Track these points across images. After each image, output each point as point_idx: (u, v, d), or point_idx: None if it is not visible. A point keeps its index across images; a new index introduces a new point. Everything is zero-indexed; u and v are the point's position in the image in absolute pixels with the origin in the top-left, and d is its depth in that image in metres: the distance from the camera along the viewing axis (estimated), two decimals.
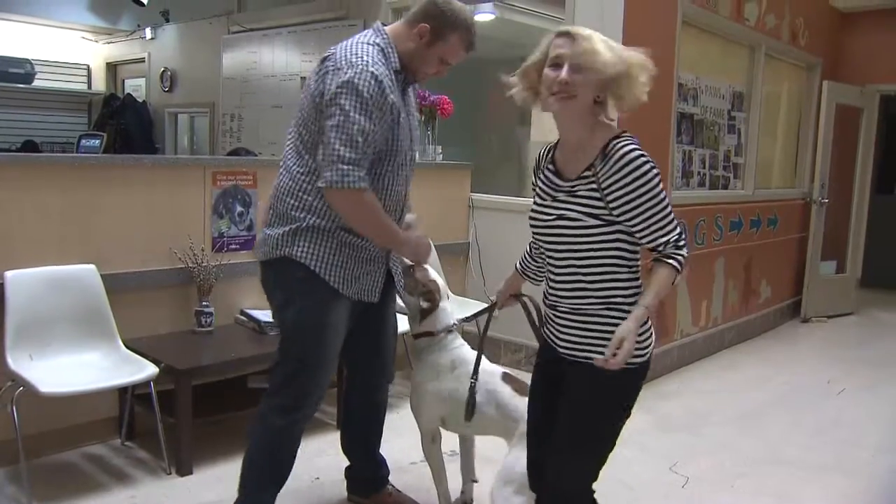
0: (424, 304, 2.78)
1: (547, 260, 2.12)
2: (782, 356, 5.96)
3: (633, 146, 1.95)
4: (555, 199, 2.05)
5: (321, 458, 3.54)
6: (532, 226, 2.13)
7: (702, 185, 5.69)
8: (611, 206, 1.96)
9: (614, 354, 1.90)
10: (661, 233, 1.98)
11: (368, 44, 2.41)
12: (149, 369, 3.17)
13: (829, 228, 7.25)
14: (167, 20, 8.48)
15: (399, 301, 2.85)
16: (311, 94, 2.42)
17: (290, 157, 2.52)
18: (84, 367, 3.22)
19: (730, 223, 5.86)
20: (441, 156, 5.30)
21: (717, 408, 4.54)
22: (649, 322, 2.04)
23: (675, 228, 1.99)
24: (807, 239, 7.14)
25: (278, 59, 7.01)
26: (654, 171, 1.94)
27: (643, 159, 1.93)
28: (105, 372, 3.21)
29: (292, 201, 2.48)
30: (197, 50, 8.22)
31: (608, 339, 1.95)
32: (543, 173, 2.13)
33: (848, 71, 7.49)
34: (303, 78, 6.57)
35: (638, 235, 1.99)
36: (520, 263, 2.50)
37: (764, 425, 4.30)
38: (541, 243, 2.12)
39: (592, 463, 2.08)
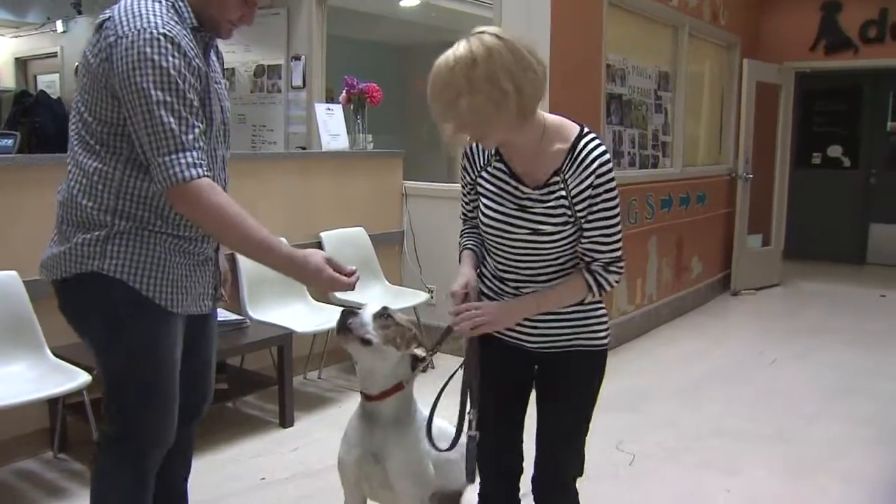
0: (420, 352, 2.13)
1: (509, 263, 1.96)
2: (716, 330, 6.10)
3: (601, 146, 1.85)
4: (523, 209, 1.88)
5: (265, 458, 3.47)
6: (493, 237, 1.94)
7: (632, 164, 5.76)
8: (576, 208, 1.85)
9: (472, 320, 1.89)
10: (600, 246, 1.88)
11: (154, 0, 1.89)
12: (80, 377, 3.03)
13: (754, 203, 7.45)
14: (79, 12, 8.13)
15: (359, 349, 2.10)
16: (92, 71, 1.88)
17: (78, 150, 1.96)
18: (9, 378, 3.06)
19: (660, 201, 5.96)
20: (372, 144, 5.23)
21: (658, 384, 4.61)
22: (604, 306, 2.04)
23: (615, 250, 1.89)
24: (734, 214, 7.32)
25: None
26: (614, 180, 1.85)
27: (609, 165, 1.83)
28: (33, 383, 3.05)
29: (89, 203, 1.92)
30: None
31: (586, 326, 1.98)
32: (490, 173, 1.94)
33: (765, 49, 7.70)
34: (227, 70, 6.38)
35: (581, 238, 1.88)
36: (468, 242, 2.11)
37: (703, 399, 4.39)
38: (503, 250, 1.95)
39: (584, 444, 2.09)
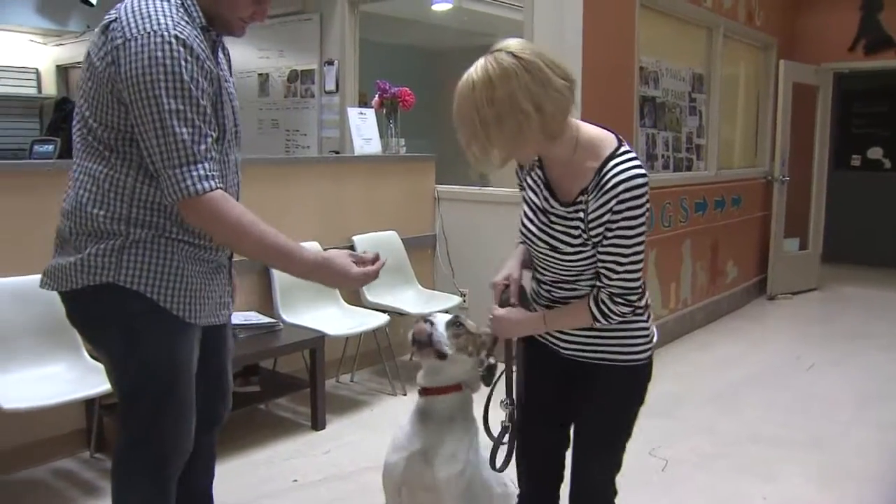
0: (492, 360, 2.12)
1: (540, 266, 1.97)
2: (751, 334, 6.02)
3: (632, 171, 1.73)
4: (546, 223, 1.87)
5: (297, 460, 3.49)
6: (525, 240, 1.95)
7: (666, 167, 5.71)
8: (591, 231, 1.78)
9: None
10: (611, 273, 1.79)
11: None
12: None
13: (791, 206, 7.35)
14: None
15: (431, 359, 2.08)
16: (97, 75, 1.80)
17: (84, 156, 1.89)
18: (48, 380, 3.12)
19: (695, 205, 5.90)
20: (405, 148, 5.25)
21: (693, 390, 4.56)
22: (650, 318, 1.98)
23: (628, 280, 1.78)
24: (770, 217, 7.22)
25: (234, 57, 6.83)
26: (644, 208, 1.73)
27: (638, 191, 1.71)
28: (70, 384, 3.11)
29: (100, 212, 1.85)
30: None
31: (620, 339, 1.91)
32: (533, 178, 1.93)
33: (802, 50, 7.58)
34: (261, 75, 6.46)
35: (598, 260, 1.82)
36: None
37: (739, 404, 4.33)
38: (533, 254, 1.96)
39: (622, 454, 2.05)
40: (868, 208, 8.90)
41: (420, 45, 8.49)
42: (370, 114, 5.15)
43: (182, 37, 1.75)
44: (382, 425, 3.80)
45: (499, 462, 2.05)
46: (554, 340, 2.00)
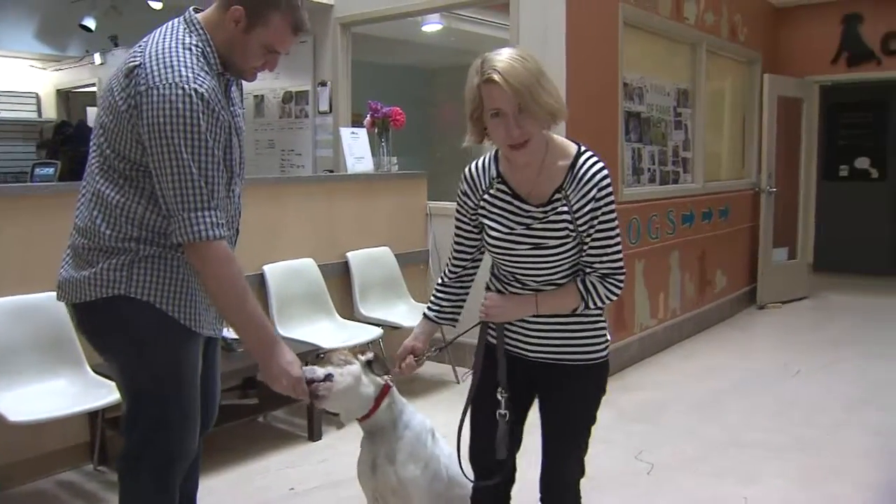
0: (364, 357, 2.27)
1: (514, 279, 2.09)
2: (739, 343, 6.14)
3: (599, 163, 1.98)
4: (526, 226, 2.00)
5: (294, 469, 3.60)
6: (498, 255, 2.07)
7: (652, 180, 5.84)
8: (578, 223, 1.96)
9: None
10: (601, 257, 2.00)
11: (185, 48, 1.95)
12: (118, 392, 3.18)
13: (779, 216, 7.48)
14: (116, 45, 8.44)
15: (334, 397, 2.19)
16: (119, 113, 1.95)
17: (100, 181, 2.02)
18: (52, 394, 3.24)
19: (682, 216, 6.02)
20: (396, 166, 5.38)
21: (678, 397, 4.67)
22: (604, 320, 2.14)
23: (615, 261, 2.01)
24: (758, 228, 7.36)
25: None
26: (613, 195, 1.98)
27: (609, 180, 1.96)
28: (73, 398, 3.22)
29: (112, 232, 1.99)
30: None
31: (585, 339, 2.09)
32: (493, 195, 2.06)
33: (786, 64, 7.74)
34: (256, 96, 6.61)
35: (583, 251, 2.00)
36: (432, 309, 2.25)
37: (723, 411, 4.44)
38: (510, 267, 2.07)
39: (585, 450, 2.18)
40: (857, 217, 9.03)
41: (410, 65, 8.66)
42: (362, 133, 5.28)
43: (201, 91, 1.89)
44: None
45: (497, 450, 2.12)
46: (520, 345, 2.13)
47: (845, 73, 7.64)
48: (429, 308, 2.26)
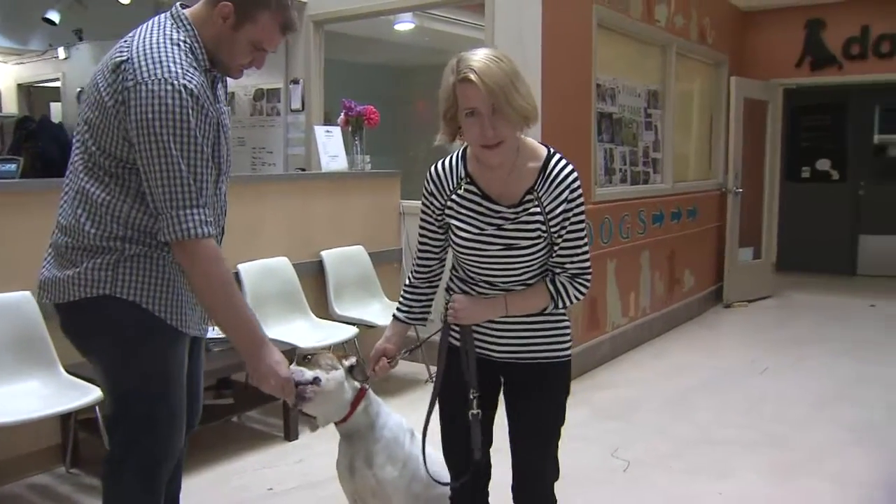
0: (347, 362, 2.28)
1: (482, 279, 2.08)
2: (707, 341, 6.23)
3: (570, 165, 2.01)
4: (497, 227, 2.00)
5: (271, 469, 3.58)
6: (467, 255, 2.05)
7: (624, 181, 5.90)
8: (550, 223, 1.98)
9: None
10: (572, 257, 2.02)
11: (173, 43, 1.91)
12: (93, 393, 3.13)
13: (745, 216, 7.61)
14: (80, 39, 8.30)
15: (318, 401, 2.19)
16: (106, 110, 1.91)
17: (84, 179, 1.97)
18: (23, 396, 3.17)
19: (652, 216, 6.10)
20: (370, 165, 5.37)
21: (650, 394, 4.73)
22: (568, 319, 2.16)
23: (584, 261, 2.04)
24: (724, 228, 7.48)
25: None
26: (583, 196, 2.02)
27: (579, 181, 1.99)
28: (46, 399, 3.16)
29: (97, 231, 1.95)
30: None
31: (551, 338, 2.10)
32: (461, 196, 2.04)
33: (752, 67, 7.89)
34: (232, 93, 6.54)
35: (553, 251, 2.02)
36: (402, 310, 2.24)
37: (695, 408, 4.51)
38: (477, 268, 2.06)
39: (557, 450, 2.19)
40: (818, 218, 9.22)
41: (383, 64, 8.64)
42: (336, 131, 5.26)
43: (191, 86, 1.86)
44: None
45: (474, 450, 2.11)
46: (486, 345, 2.13)
47: (809, 77, 7.82)
48: (398, 309, 2.25)
